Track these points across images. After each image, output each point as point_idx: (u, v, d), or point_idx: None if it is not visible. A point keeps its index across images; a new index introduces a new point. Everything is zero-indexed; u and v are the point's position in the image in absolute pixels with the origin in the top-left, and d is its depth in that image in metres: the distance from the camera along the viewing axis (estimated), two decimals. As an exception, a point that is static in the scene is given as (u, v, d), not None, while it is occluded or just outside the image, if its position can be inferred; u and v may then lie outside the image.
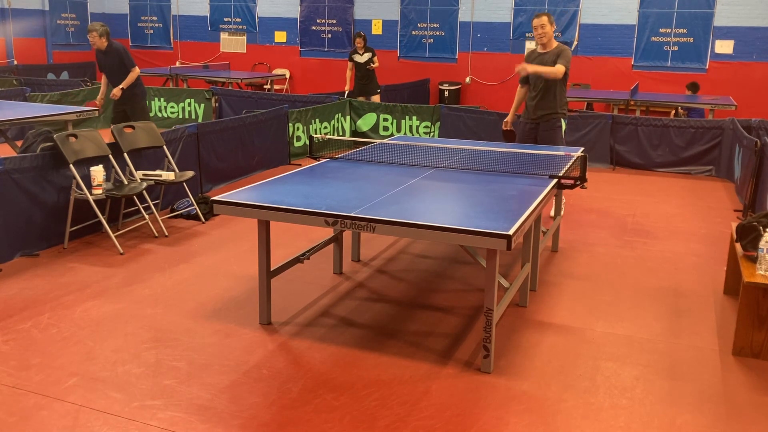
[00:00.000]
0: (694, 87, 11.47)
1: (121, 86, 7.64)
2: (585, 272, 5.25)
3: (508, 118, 6.70)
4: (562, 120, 6.41)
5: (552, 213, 6.39)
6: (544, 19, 6.17)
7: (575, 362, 3.81)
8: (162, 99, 11.56)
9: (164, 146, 6.36)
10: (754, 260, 4.04)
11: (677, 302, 4.70)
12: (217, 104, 11.23)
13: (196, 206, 6.39)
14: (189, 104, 11.39)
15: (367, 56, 11.02)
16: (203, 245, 5.67)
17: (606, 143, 9.24)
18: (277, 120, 8.74)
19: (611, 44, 13.11)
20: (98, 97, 8.18)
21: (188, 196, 6.48)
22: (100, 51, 7.75)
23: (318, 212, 3.63)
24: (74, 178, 5.42)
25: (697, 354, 3.95)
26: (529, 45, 13.57)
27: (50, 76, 13.97)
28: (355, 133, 10.48)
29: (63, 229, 5.48)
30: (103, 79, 8.06)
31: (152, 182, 6.01)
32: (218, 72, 14.45)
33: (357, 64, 11.06)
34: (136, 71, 7.72)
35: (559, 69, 6.07)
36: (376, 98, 11.13)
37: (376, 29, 14.81)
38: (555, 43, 6.29)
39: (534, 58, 6.35)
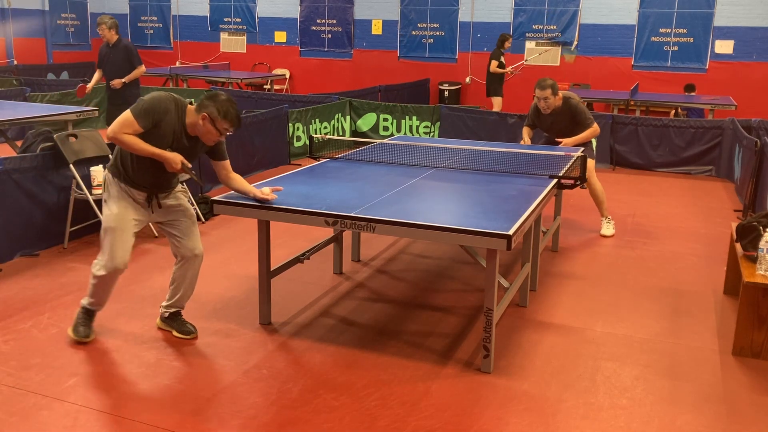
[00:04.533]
0: (690, 88, 11.52)
1: (123, 80, 7.67)
2: (585, 272, 5.25)
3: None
4: (592, 139, 6.27)
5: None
6: (548, 92, 5.85)
7: (575, 362, 3.81)
8: (162, 99, 11.54)
9: (164, 146, 6.35)
10: (754, 260, 4.04)
11: (677, 302, 4.70)
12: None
13: (196, 206, 6.38)
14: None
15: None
16: (203, 245, 5.66)
17: (606, 143, 9.24)
18: (277, 120, 8.73)
19: (611, 44, 13.11)
20: (90, 85, 8.15)
21: (188, 196, 6.48)
22: (107, 45, 7.74)
23: (318, 212, 3.63)
24: (74, 178, 5.42)
25: (697, 354, 3.95)
26: (529, 45, 13.59)
27: (50, 76, 13.96)
28: (355, 133, 10.48)
29: (63, 229, 5.49)
30: (98, 72, 8.04)
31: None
32: (218, 72, 14.44)
33: (502, 65, 11.11)
34: (142, 69, 7.80)
35: (595, 130, 6.02)
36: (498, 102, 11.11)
37: (376, 29, 14.81)
38: (560, 102, 6.00)
39: (546, 119, 6.12)
